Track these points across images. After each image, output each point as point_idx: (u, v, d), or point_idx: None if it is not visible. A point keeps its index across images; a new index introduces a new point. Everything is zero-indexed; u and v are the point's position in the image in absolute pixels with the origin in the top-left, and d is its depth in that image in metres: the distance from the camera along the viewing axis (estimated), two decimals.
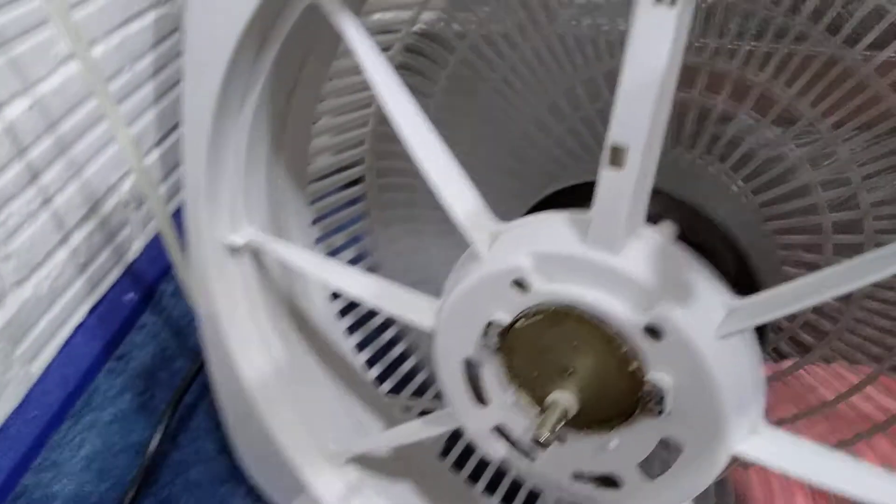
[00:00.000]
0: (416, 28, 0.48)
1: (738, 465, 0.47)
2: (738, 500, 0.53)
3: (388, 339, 0.55)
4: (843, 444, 0.47)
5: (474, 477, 0.54)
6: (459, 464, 0.54)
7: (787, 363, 0.47)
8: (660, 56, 0.27)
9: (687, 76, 0.42)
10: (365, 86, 0.51)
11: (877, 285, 0.43)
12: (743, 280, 0.40)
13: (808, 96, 0.40)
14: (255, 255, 0.45)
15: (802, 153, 0.41)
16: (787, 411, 0.49)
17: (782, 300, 0.30)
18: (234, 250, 0.43)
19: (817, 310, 0.45)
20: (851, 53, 0.39)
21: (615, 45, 0.44)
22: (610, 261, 0.31)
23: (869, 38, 0.38)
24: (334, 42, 0.43)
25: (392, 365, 0.56)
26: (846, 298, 0.44)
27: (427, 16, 0.49)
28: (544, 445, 0.32)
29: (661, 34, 0.27)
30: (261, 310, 0.46)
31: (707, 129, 0.43)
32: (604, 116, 0.44)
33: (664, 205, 0.41)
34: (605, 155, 0.29)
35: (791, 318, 0.46)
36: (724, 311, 0.31)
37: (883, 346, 0.44)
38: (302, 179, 0.47)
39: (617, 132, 0.29)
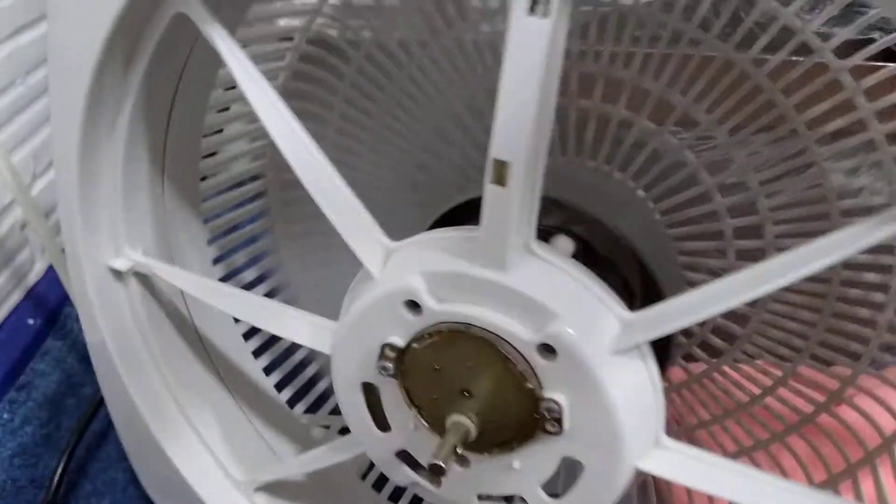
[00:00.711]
0: (310, 36, 0.47)
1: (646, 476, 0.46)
2: (661, 499, 0.53)
3: (299, 361, 0.53)
4: (760, 445, 0.47)
5: (395, 497, 0.52)
6: (380, 484, 0.52)
7: (700, 367, 0.47)
8: (536, 67, 0.26)
9: (586, 84, 0.42)
10: None
11: (783, 288, 0.43)
12: (650, 290, 0.39)
13: (703, 103, 0.40)
14: (142, 278, 0.42)
15: (701, 159, 0.41)
16: (703, 415, 0.49)
17: (676, 312, 0.30)
18: (118, 275, 0.41)
19: (726, 314, 0.45)
20: (744, 57, 0.39)
21: None
22: (500, 279, 0.30)
23: (762, 42, 0.39)
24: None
25: (306, 385, 0.55)
26: (753, 302, 0.44)
27: (321, 23, 0.48)
28: (441, 472, 0.31)
29: (535, 45, 0.26)
30: (152, 336, 0.43)
31: (608, 137, 0.42)
32: None
33: (567, 217, 0.41)
34: (488, 172, 0.29)
35: (700, 323, 0.46)
36: (619, 325, 0.31)
37: (791, 347, 0.44)
38: (193, 196, 0.45)
39: (498, 148, 0.28)
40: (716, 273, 0.43)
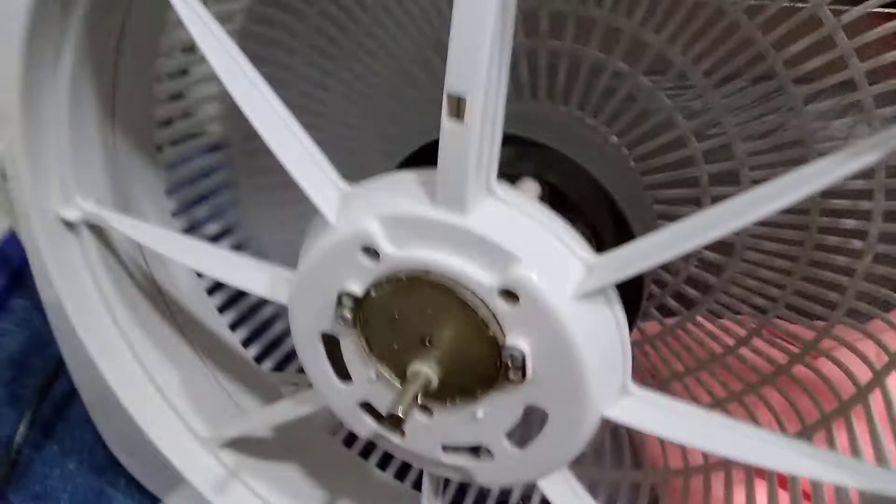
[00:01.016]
0: None
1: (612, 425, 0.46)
2: (635, 448, 0.52)
3: (266, 317, 0.52)
4: (735, 397, 0.47)
5: (366, 452, 0.52)
6: (350, 439, 0.51)
7: (673, 319, 0.47)
8: None
9: (556, 24, 0.40)
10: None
11: (758, 236, 0.42)
12: (624, 239, 0.38)
13: (678, 42, 0.38)
14: (97, 230, 0.41)
15: (676, 103, 0.40)
16: (677, 367, 0.48)
17: (642, 253, 0.29)
18: (69, 226, 0.39)
19: (701, 263, 0.44)
20: None
21: None
22: (459, 221, 0.29)
23: None
24: None
25: (274, 342, 0.53)
26: (728, 250, 0.43)
27: None
28: (400, 422, 0.30)
29: None
30: (110, 291, 0.42)
31: (579, 82, 0.41)
32: None
33: (540, 162, 0.39)
34: (445, 107, 0.27)
35: (675, 273, 0.45)
36: (583, 269, 0.30)
37: (766, 296, 0.43)
38: (148, 143, 0.43)
39: (453, 81, 0.26)
40: None
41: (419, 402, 0.31)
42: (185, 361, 0.47)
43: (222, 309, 0.50)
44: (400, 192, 0.31)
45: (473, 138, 0.27)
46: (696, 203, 0.42)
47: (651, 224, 0.40)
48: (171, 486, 0.47)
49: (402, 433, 0.35)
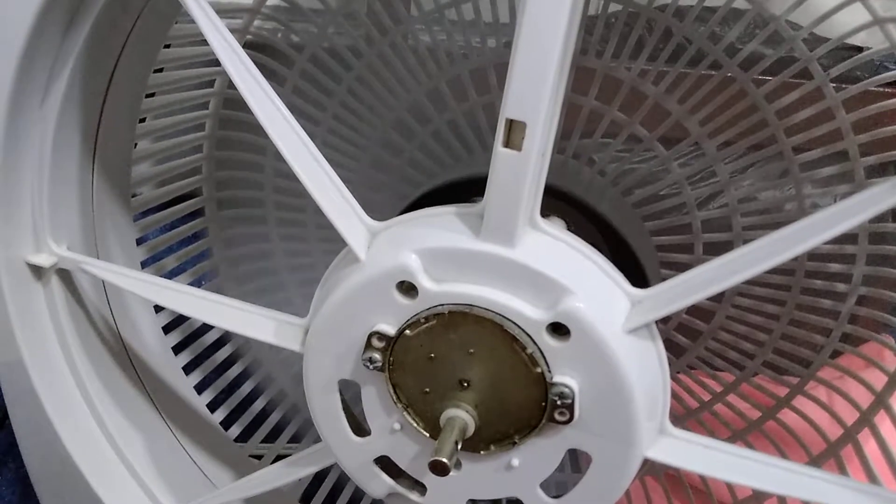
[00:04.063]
0: (249, 38, 0.43)
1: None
2: None
3: (233, 378, 0.48)
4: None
5: None
6: None
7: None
8: (559, 15, 0.24)
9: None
10: (201, 82, 0.45)
11: (748, 282, 0.43)
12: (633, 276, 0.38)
13: (674, 94, 0.40)
14: (67, 279, 0.37)
15: (671, 153, 0.41)
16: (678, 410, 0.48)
17: (689, 288, 0.28)
18: (38, 273, 0.35)
19: (691, 310, 0.44)
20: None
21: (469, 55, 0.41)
22: (508, 254, 0.28)
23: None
24: (162, 21, 0.37)
25: (240, 406, 0.49)
26: (719, 297, 0.44)
27: (260, 24, 0.45)
28: (444, 470, 0.27)
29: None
30: (75, 345, 0.38)
31: (577, 130, 0.41)
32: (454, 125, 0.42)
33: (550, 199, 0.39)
34: (500, 134, 0.26)
35: (665, 320, 0.45)
36: (629, 303, 0.29)
37: (755, 341, 0.44)
38: (124, 188, 0.40)
39: (514, 106, 0.26)
40: (684, 268, 0.42)
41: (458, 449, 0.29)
42: (150, 426, 0.42)
43: (188, 370, 0.46)
44: (437, 226, 0.29)
45: (530, 167, 0.26)
46: (690, 250, 0.42)
47: (657, 269, 0.41)
48: None
49: (424, 489, 0.33)
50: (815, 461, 0.43)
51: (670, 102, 0.39)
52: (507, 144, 0.26)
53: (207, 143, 0.46)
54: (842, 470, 0.42)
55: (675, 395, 0.47)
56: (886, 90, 0.44)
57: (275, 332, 0.33)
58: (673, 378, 0.46)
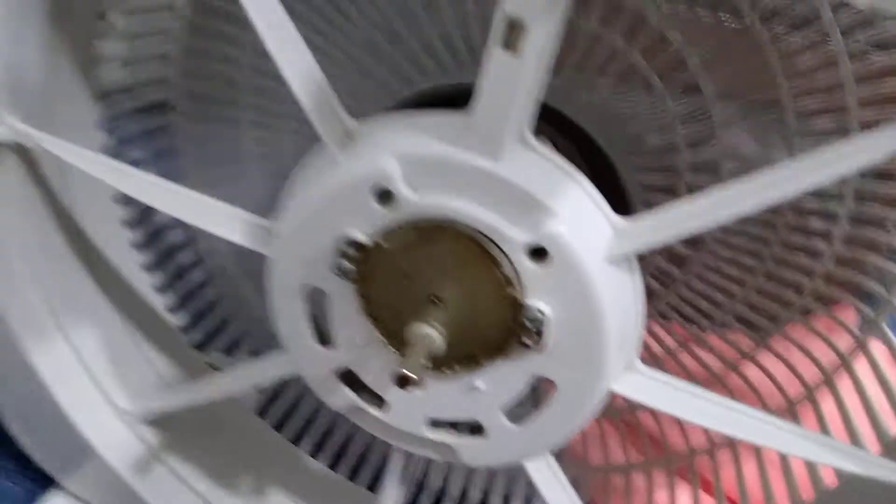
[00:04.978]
0: None
1: None
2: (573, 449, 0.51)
3: (196, 282, 0.47)
4: None
5: (297, 438, 0.47)
6: (281, 424, 0.47)
7: None
8: None
9: None
10: None
11: (727, 230, 0.43)
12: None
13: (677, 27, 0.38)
14: (22, 156, 0.35)
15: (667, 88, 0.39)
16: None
17: (674, 221, 0.28)
18: None
19: (667, 255, 0.44)
20: None
21: None
22: (493, 168, 0.27)
23: None
24: None
25: (201, 313, 0.48)
26: (696, 243, 0.43)
27: None
28: (409, 384, 0.27)
29: None
30: (28, 228, 0.36)
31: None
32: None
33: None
34: (497, 34, 0.25)
35: (643, 263, 0.44)
36: (612, 231, 0.28)
37: (727, 293, 0.44)
38: (87, 62, 0.37)
39: (515, 4, 0.24)
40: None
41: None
42: (106, 322, 0.41)
43: (150, 268, 0.44)
44: (420, 130, 0.28)
45: (528, 74, 0.25)
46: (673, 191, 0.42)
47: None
48: (75, 464, 0.41)
49: (386, 405, 0.32)
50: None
51: (672, 32, 0.37)
52: (504, 45, 0.25)
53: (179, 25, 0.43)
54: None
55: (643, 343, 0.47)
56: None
57: (241, 230, 0.32)
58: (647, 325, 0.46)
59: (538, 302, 0.27)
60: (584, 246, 0.27)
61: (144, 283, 0.44)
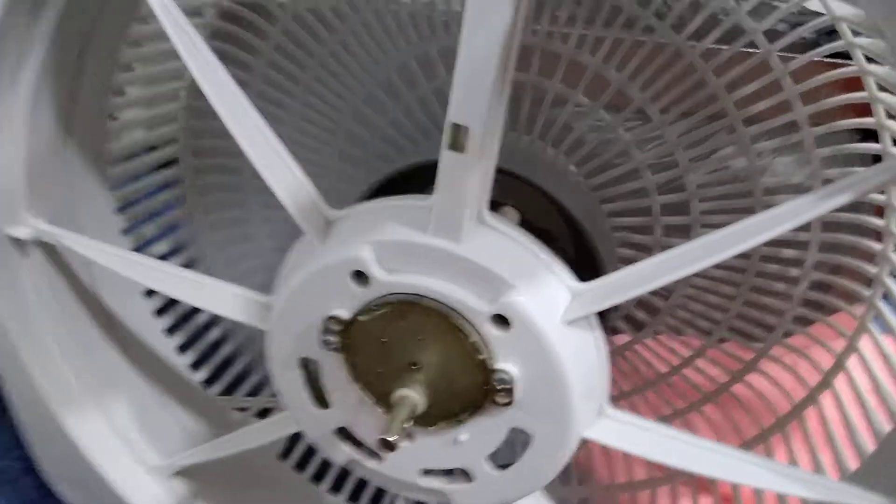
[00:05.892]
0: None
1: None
2: (581, 470, 0.54)
3: (214, 339, 0.51)
4: (678, 414, 0.49)
5: (319, 476, 0.51)
6: (302, 464, 0.51)
7: (622, 339, 0.49)
8: (499, 26, 0.25)
9: (522, 57, 0.42)
10: (176, 53, 0.46)
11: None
12: (584, 262, 0.40)
13: (637, 81, 0.41)
14: (47, 250, 0.39)
15: (632, 136, 0.42)
16: (625, 386, 0.50)
17: (624, 284, 0.30)
18: (18, 245, 0.37)
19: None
20: (678, 39, 0.39)
21: (451, 22, 0.42)
22: (454, 249, 0.30)
23: (694, 25, 0.39)
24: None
25: (222, 365, 0.52)
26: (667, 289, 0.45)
27: None
28: (392, 446, 0.30)
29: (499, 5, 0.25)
30: (57, 313, 0.40)
31: (542, 114, 0.42)
32: (441, 95, 0.43)
33: (509, 186, 0.40)
34: (445, 138, 0.28)
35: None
36: (570, 296, 0.31)
37: (710, 320, 0.46)
38: (100, 160, 0.41)
39: (456, 112, 0.27)
40: (643, 248, 0.44)
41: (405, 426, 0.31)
42: (133, 387, 0.45)
43: (170, 331, 0.48)
44: (391, 218, 0.31)
45: (473, 169, 0.28)
46: (650, 231, 0.44)
47: (612, 249, 0.42)
48: None
49: (381, 458, 0.35)
50: (766, 434, 0.45)
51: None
52: (452, 146, 0.28)
53: (183, 113, 0.47)
54: (787, 443, 0.44)
55: (643, 362, 0.49)
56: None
57: (241, 308, 0.35)
58: (640, 345, 0.48)
59: (506, 364, 0.30)
60: (541, 312, 0.30)
61: (166, 346, 0.48)
